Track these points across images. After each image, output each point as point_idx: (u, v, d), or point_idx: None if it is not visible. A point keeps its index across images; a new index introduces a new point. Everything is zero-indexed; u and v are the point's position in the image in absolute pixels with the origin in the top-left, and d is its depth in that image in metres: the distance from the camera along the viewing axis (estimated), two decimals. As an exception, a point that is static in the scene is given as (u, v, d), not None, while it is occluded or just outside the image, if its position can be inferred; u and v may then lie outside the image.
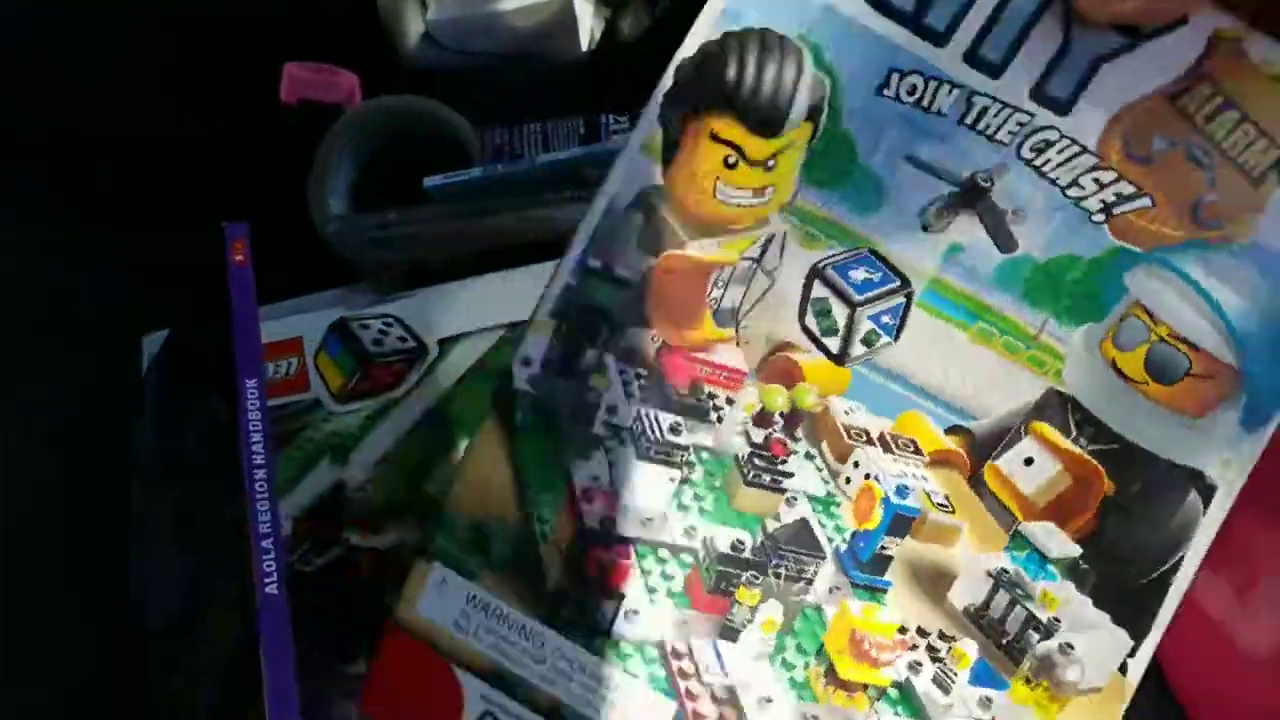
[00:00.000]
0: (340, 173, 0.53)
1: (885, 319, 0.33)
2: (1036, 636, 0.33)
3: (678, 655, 0.34)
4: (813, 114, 0.33)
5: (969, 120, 0.32)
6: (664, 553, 0.34)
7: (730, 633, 0.34)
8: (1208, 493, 0.32)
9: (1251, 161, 0.31)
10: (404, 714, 0.35)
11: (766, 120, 0.33)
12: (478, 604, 0.35)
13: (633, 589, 0.34)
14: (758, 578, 0.34)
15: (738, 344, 0.34)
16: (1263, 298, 0.31)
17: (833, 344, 0.34)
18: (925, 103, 0.33)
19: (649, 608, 0.34)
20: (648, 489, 0.34)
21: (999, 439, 0.33)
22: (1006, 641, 0.33)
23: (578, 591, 0.34)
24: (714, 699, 0.34)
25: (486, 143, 0.55)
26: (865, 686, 0.33)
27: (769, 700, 0.34)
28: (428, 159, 0.52)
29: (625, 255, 0.34)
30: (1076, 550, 0.33)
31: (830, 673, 0.34)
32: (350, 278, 0.53)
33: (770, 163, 0.33)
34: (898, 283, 0.33)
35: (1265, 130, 0.31)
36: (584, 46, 0.56)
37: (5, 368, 0.50)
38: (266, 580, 0.37)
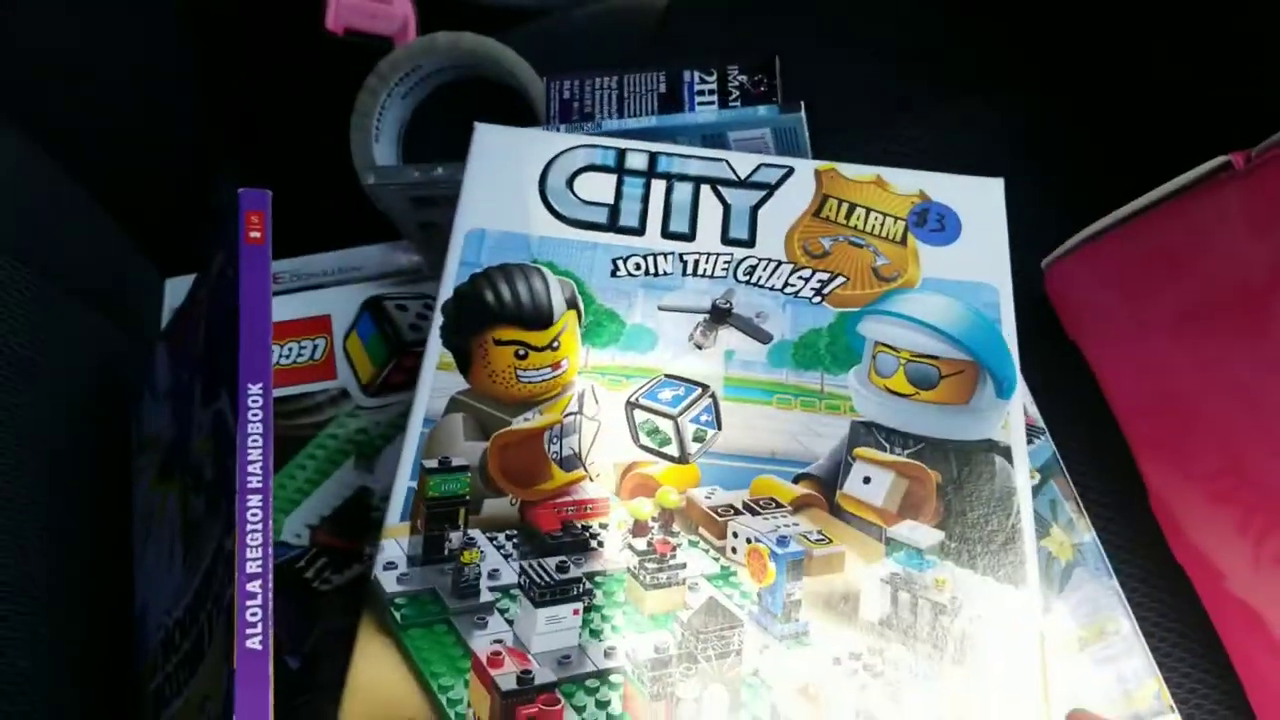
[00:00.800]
0: (387, 118, 0.46)
1: (704, 418, 0.38)
2: (947, 620, 0.34)
3: (642, 779, 0.31)
4: (571, 304, 0.40)
5: (689, 271, 0.41)
6: (591, 682, 0.33)
7: (685, 733, 0.32)
8: (1005, 452, 0.37)
9: (888, 232, 0.42)
10: None
11: (536, 320, 0.40)
12: (409, 819, 0.30)
13: (572, 731, 0.32)
14: (691, 668, 0.33)
15: (591, 480, 0.37)
16: (956, 310, 0.40)
17: (672, 450, 0.37)
18: (651, 271, 0.41)
19: (595, 744, 0.31)
20: (554, 630, 0.34)
21: (836, 472, 0.37)
22: (924, 635, 0.34)
23: (516, 757, 0.31)
24: (696, 807, 0.30)
25: (553, 96, 0.48)
26: (832, 731, 0.32)
27: (750, 784, 0.31)
28: (488, 109, 0.45)
29: (455, 449, 0.37)
30: (940, 534, 0.36)
31: (796, 730, 0.32)
32: (393, 235, 0.46)
33: (555, 344, 0.39)
34: (699, 390, 0.39)
35: (880, 212, 0.42)
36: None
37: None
38: (249, 633, 0.29)
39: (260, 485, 0.34)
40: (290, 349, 0.46)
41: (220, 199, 0.47)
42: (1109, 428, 0.48)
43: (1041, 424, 0.46)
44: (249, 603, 0.32)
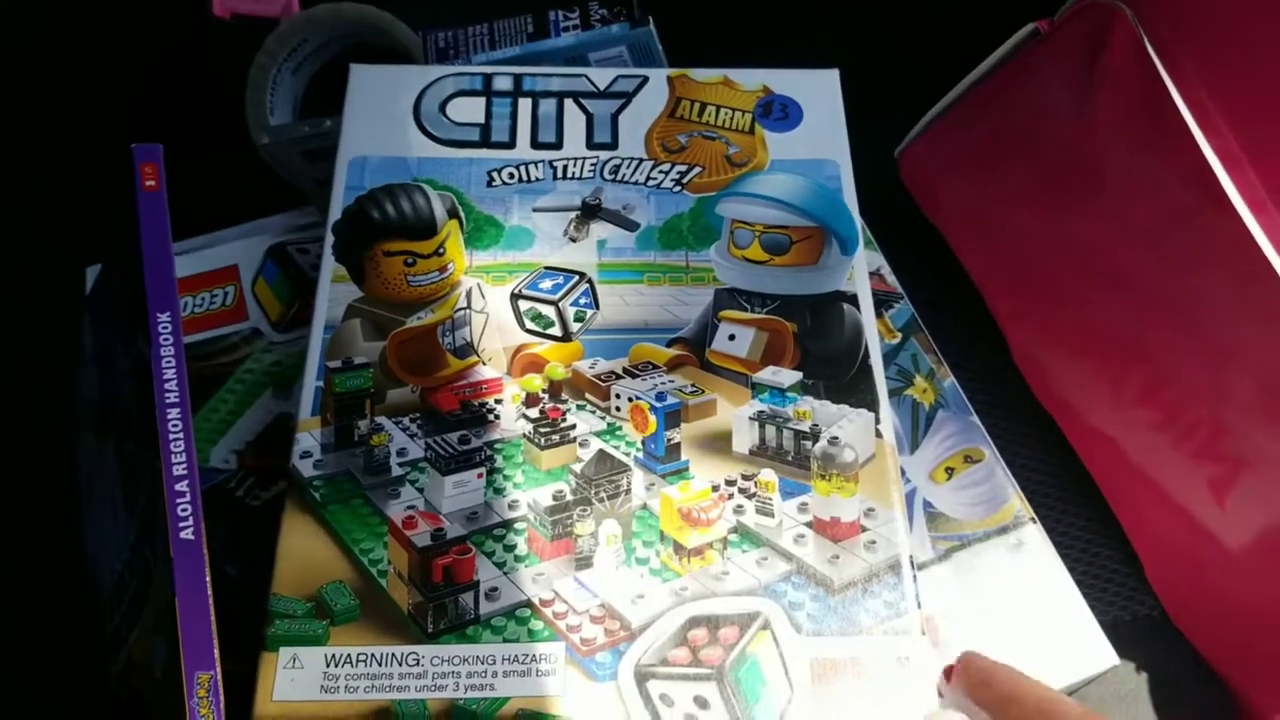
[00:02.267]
0: (280, 93, 0.48)
1: (582, 300, 0.41)
2: (809, 443, 0.38)
3: (546, 604, 0.34)
4: (453, 213, 0.43)
5: (559, 176, 0.44)
6: (498, 531, 0.36)
7: (584, 562, 0.35)
8: (852, 299, 0.41)
9: (737, 124, 0.45)
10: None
11: (420, 230, 0.42)
12: (339, 661, 0.33)
13: (484, 572, 0.35)
14: (586, 510, 0.36)
15: (484, 364, 0.40)
16: (799, 184, 0.44)
17: (556, 332, 0.40)
18: (524, 179, 0.44)
19: (505, 580, 0.35)
20: (461, 493, 0.37)
21: (704, 333, 0.40)
22: (791, 458, 0.37)
23: (434, 599, 0.34)
24: (594, 620, 0.34)
25: (430, 46, 0.50)
26: (710, 545, 0.35)
27: (641, 596, 0.34)
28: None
29: (355, 349, 0.40)
30: (798, 375, 0.39)
31: (678, 548, 0.35)
32: (297, 203, 0.48)
33: (440, 250, 0.42)
34: (577, 278, 0.42)
35: (729, 108, 0.46)
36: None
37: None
38: (181, 525, 0.32)
39: (178, 400, 0.36)
40: (203, 298, 0.48)
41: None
42: (972, 296, 0.52)
43: (899, 289, 0.50)
44: (179, 501, 0.34)
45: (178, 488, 0.35)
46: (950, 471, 0.46)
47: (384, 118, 0.45)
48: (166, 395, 0.36)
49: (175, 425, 0.36)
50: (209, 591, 0.33)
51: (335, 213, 0.42)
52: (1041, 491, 0.49)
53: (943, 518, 0.44)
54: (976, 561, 0.43)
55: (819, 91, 0.47)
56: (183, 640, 0.32)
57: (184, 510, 0.34)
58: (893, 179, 0.55)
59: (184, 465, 0.35)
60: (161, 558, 0.36)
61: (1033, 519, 0.45)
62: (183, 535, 0.34)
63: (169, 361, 0.37)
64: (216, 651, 0.32)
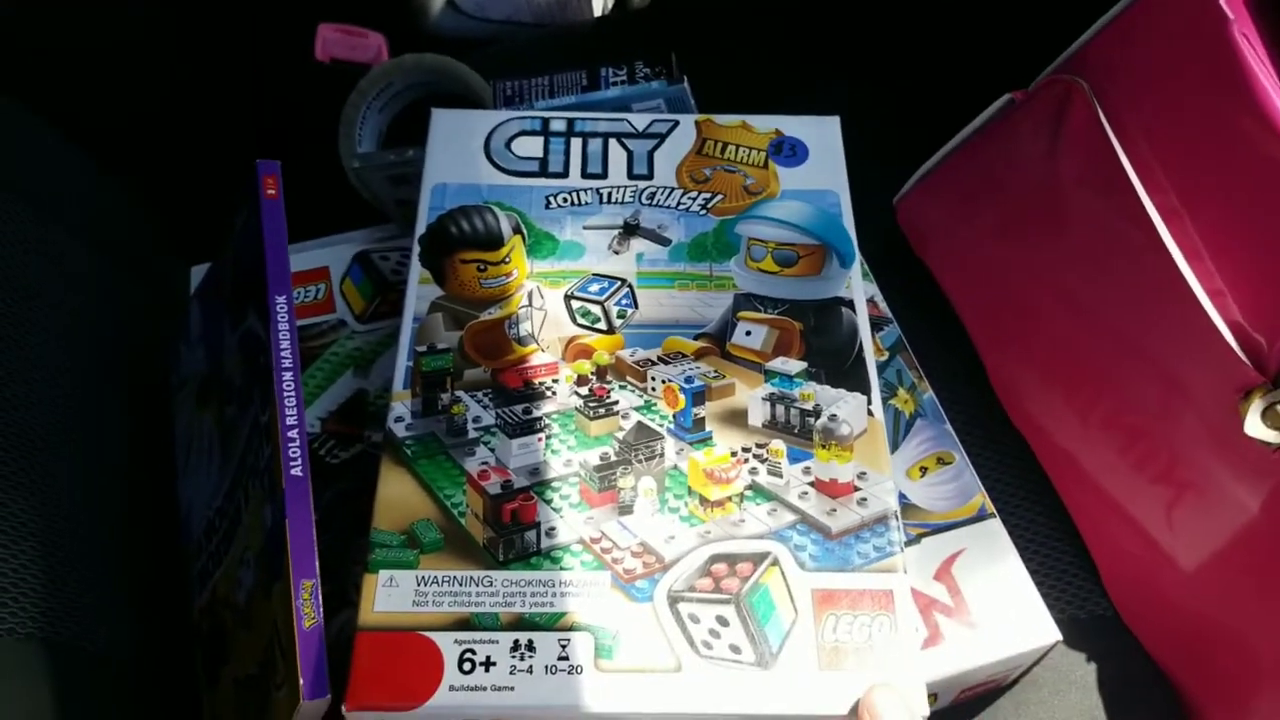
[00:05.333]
0: (368, 124, 0.54)
1: (624, 301, 0.47)
2: (813, 419, 0.43)
3: (595, 541, 0.40)
4: (516, 230, 0.49)
5: (604, 200, 0.51)
6: (556, 484, 0.42)
7: (626, 510, 0.41)
8: (849, 304, 0.47)
9: (753, 160, 0.52)
10: (390, 689, 0.36)
11: (490, 243, 0.49)
12: (427, 581, 0.39)
13: (544, 515, 0.40)
14: (628, 469, 0.42)
15: (542, 350, 0.46)
16: (806, 209, 0.50)
17: (602, 326, 0.46)
18: (575, 203, 0.50)
19: (562, 522, 0.40)
20: (525, 453, 0.42)
21: (724, 330, 0.46)
22: (798, 431, 0.43)
23: (504, 535, 0.40)
24: (634, 555, 0.39)
25: (498, 93, 0.57)
26: (729, 498, 0.41)
27: (672, 537, 0.40)
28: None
29: (438, 337, 0.46)
30: (803, 364, 0.45)
31: (703, 501, 0.41)
32: (375, 221, 0.54)
33: (506, 259, 0.48)
34: (619, 282, 0.48)
35: (746, 147, 0.52)
36: (596, 14, 0.59)
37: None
38: (291, 464, 0.37)
39: (290, 365, 0.42)
40: (298, 292, 0.55)
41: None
42: (953, 325, 0.58)
43: (890, 315, 0.56)
44: (290, 445, 0.40)
45: (289, 434, 0.40)
46: (924, 470, 0.51)
47: (460, 152, 0.51)
48: (282, 360, 0.42)
49: (289, 385, 0.42)
50: (312, 517, 0.39)
51: (421, 228, 0.49)
52: (1007, 494, 0.54)
53: (915, 508, 0.49)
54: (941, 546, 0.48)
55: (823, 134, 0.53)
56: (291, 554, 0.38)
57: (294, 453, 0.40)
58: (889, 222, 0.61)
59: (295, 416, 0.41)
60: (255, 499, 0.42)
61: (993, 514, 0.50)
62: (293, 472, 0.40)
63: (285, 334, 0.43)
64: (317, 564, 0.38)
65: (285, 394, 0.41)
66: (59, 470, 0.46)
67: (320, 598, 0.38)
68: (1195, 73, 0.43)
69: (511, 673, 0.37)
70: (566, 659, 0.37)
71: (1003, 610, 0.47)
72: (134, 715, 0.44)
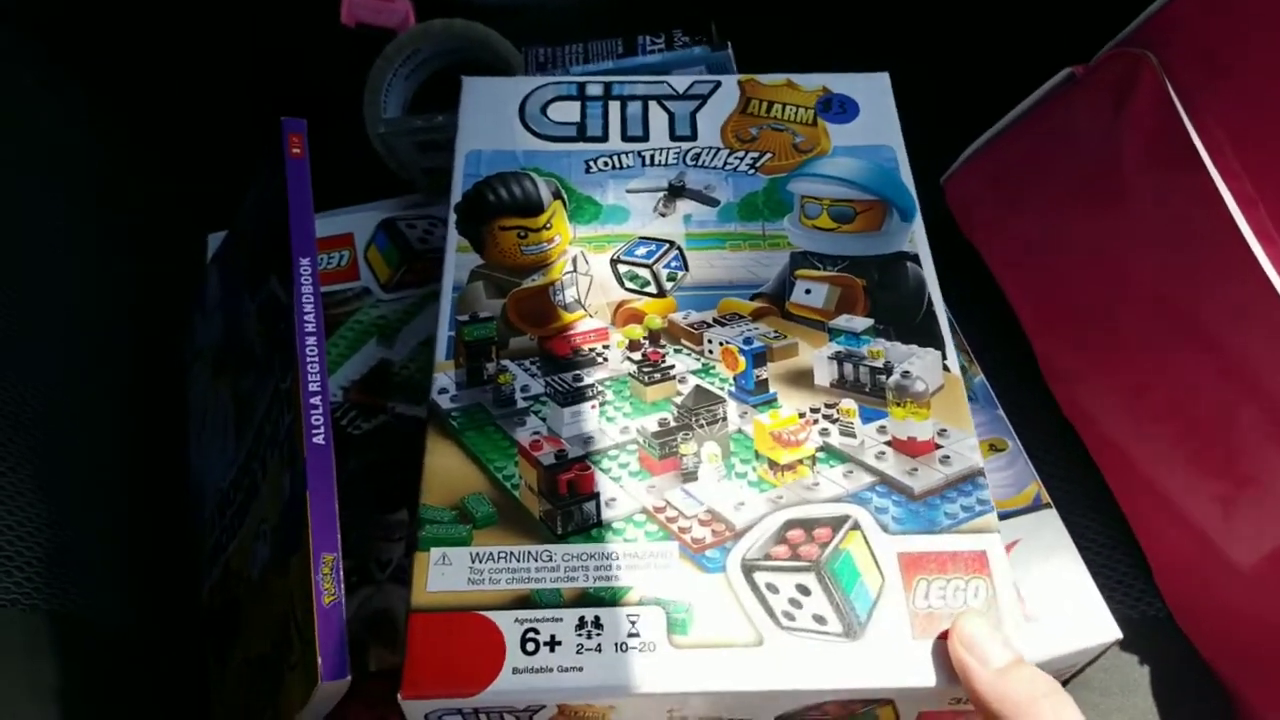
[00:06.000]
0: (393, 91, 0.51)
1: (673, 264, 0.44)
2: (884, 377, 0.40)
3: (659, 510, 0.37)
4: (557, 195, 0.46)
5: (647, 163, 0.48)
6: (613, 452, 0.38)
7: (690, 477, 0.38)
8: (914, 258, 0.44)
9: (801, 119, 0.49)
10: (450, 675, 0.33)
11: (529, 209, 0.46)
12: (482, 558, 0.35)
13: (603, 486, 0.37)
14: (689, 434, 0.39)
15: (592, 316, 0.43)
16: (861, 165, 0.47)
17: (652, 290, 0.43)
18: (617, 165, 0.48)
19: (622, 492, 0.37)
20: (578, 421, 0.39)
21: (782, 289, 0.43)
22: (869, 390, 0.40)
23: (561, 507, 0.37)
24: (702, 523, 0.36)
25: (530, 60, 0.54)
26: (800, 461, 0.38)
27: (742, 503, 0.37)
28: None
29: (480, 306, 0.43)
30: (870, 321, 0.42)
31: (773, 465, 0.38)
32: (402, 190, 0.52)
33: (548, 225, 0.46)
34: (667, 245, 0.45)
35: (794, 105, 0.49)
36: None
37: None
38: (314, 432, 0.34)
39: (314, 330, 0.39)
40: (321, 259, 0.53)
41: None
42: (1002, 309, 0.54)
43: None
44: (313, 412, 0.37)
45: (312, 401, 0.38)
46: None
47: (494, 118, 0.49)
48: (305, 325, 0.40)
49: (312, 350, 0.39)
50: (334, 488, 0.36)
51: (456, 195, 0.46)
52: (1054, 484, 0.50)
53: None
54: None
55: (873, 91, 0.50)
56: (312, 526, 0.35)
57: (317, 420, 0.37)
58: (937, 203, 0.58)
59: (318, 383, 0.38)
60: (274, 470, 0.39)
61: (1048, 504, 0.47)
62: (315, 440, 0.37)
63: (308, 297, 0.40)
64: (338, 537, 0.35)
65: (308, 359, 0.39)
66: (64, 442, 0.44)
67: (341, 573, 0.35)
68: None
69: (579, 652, 0.33)
70: (637, 635, 0.34)
71: (1060, 604, 0.44)
72: (138, 689, 0.42)
